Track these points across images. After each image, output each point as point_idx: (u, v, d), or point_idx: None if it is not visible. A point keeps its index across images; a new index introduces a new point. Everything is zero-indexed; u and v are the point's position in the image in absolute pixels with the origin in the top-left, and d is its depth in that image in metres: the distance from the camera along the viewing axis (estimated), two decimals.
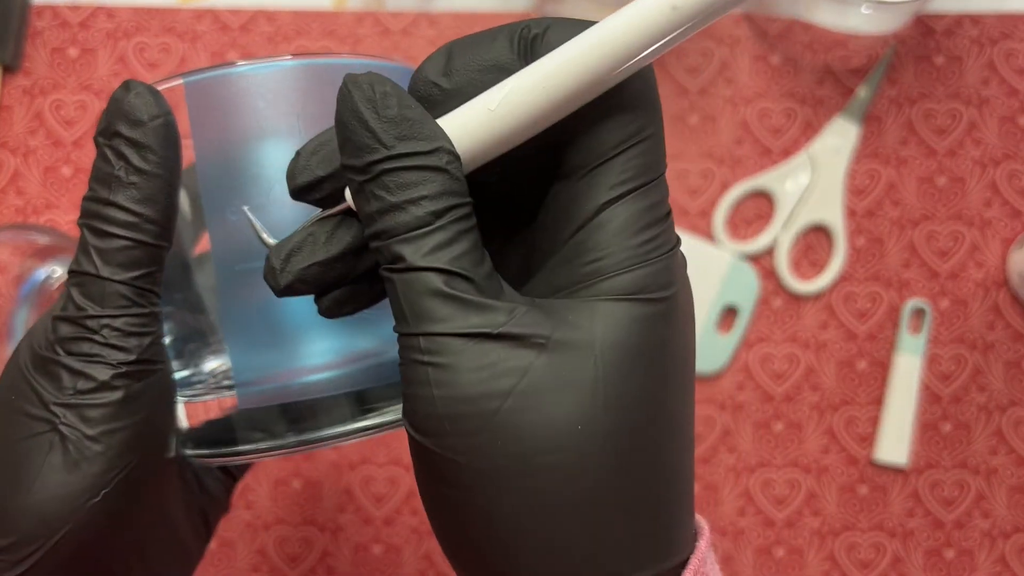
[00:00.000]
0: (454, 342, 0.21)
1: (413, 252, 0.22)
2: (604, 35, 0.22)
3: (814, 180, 0.56)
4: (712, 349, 0.55)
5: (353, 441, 0.28)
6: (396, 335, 0.23)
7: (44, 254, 0.48)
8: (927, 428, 0.55)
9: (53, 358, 0.26)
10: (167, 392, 0.28)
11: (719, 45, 0.57)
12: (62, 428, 0.25)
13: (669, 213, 0.24)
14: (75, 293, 0.26)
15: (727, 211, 0.56)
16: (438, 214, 0.22)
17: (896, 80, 0.57)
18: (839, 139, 0.56)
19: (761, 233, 0.56)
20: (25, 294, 0.46)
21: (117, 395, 0.26)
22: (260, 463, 0.54)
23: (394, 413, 0.28)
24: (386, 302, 0.23)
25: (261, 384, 0.28)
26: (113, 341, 0.26)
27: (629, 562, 0.22)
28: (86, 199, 0.26)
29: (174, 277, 0.28)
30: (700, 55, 0.57)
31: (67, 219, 0.56)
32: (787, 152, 0.57)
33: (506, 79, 0.23)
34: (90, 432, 0.25)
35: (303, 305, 0.26)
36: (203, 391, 0.29)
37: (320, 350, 0.28)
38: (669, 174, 0.34)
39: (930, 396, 0.55)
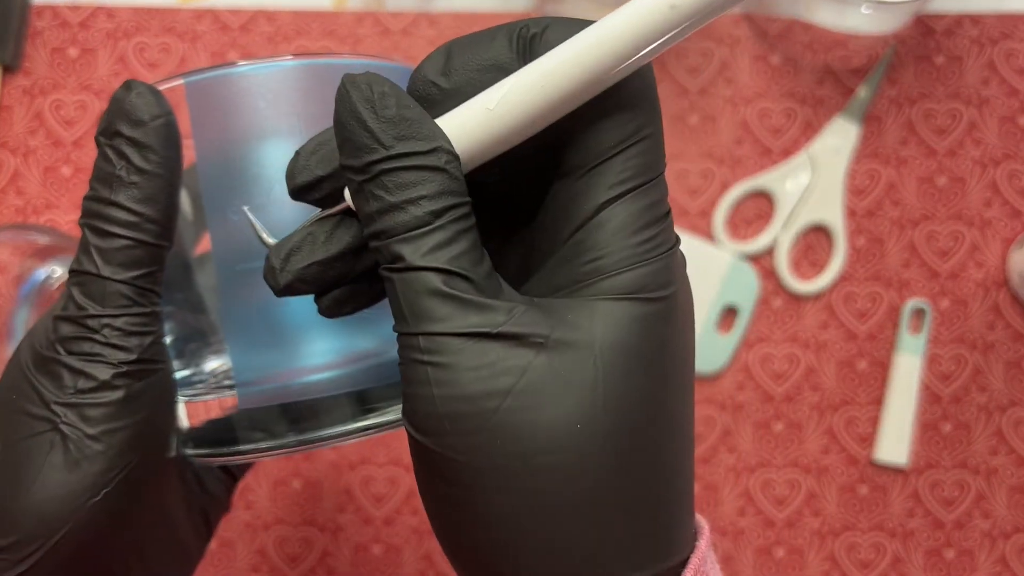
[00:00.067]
0: (453, 341, 0.21)
1: (412, 252, 0.22)
2: (603, 34, 0.22)
3: (814, 180, 0.56)
4: (712, 349, 0.55)
5: (353, 441, 0.28)
6: (396, 335, 0.23)
7: (44, 254, 0.48)
8: (927, 428, 0.55)
9: (54, 357, 0.26)
10: (168, 392, 0.28)
11: (719, 45, 0.57)
12: (63, 427, 0.25)
13: (668, 212, 0.24)
14: (76, 292, 0.26)
15: (727, 211, 0.56)
16: (437, 214, 0.22)
17: (896, 80, 0.57)
18: (839, 139, 0.56)
19: (761, 233, 0.56)
20: (25, 294, 0.46)
21: (118, 394, 0.26)
22: (260, 463, 0.54)
23: (394, 413, 0.28)
24: (386, 302, 0.23)
25: (261, 384, 0.28)
26: (114, 340, 0.26)
27: (629, 562, 0.22)
28: (87, 198, 0.26)
29: (175, 277, 0.28)
30: (700, 55, 0.57)
31: (67, 219, 0.56)
32: (787, 152, 0.57)
33: (505, 78, 0.23)
34: (91, 431, 0.25)
35: (303, 305, 0.26)
36: (204, 391, 0.29)
37: (320, 350, 0.28)
38: (669, 174, 0.34)
39: (930, 396, 0.55)
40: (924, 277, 0.56)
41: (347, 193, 0.24)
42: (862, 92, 0.56)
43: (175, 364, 0.28)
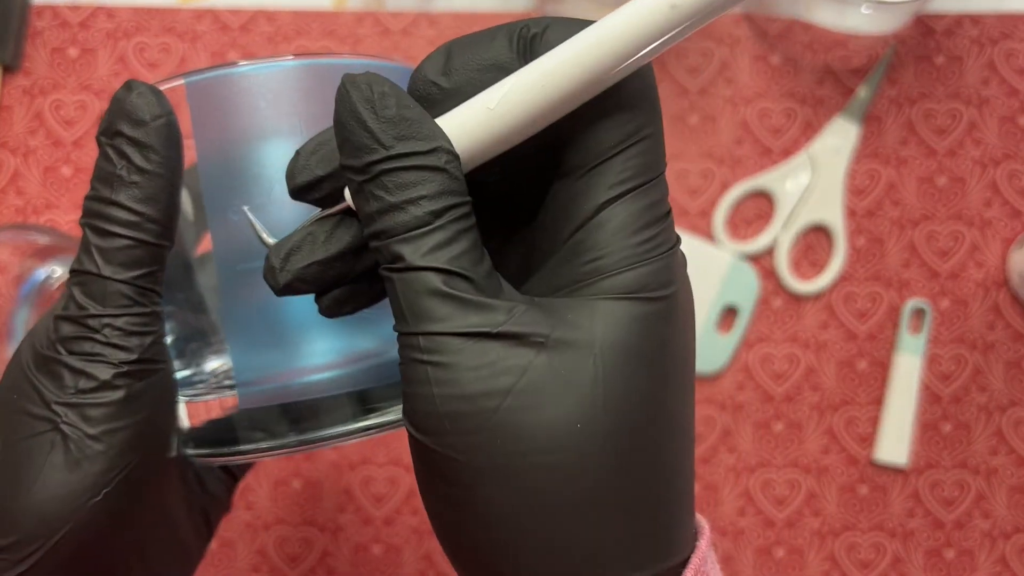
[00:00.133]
0: (453, 341, 0.21)
1: (412, 252, 0.22)
2: (603, 34, 0.22)
3: (814, 180, 0.56)
4: (712, 349, 0.55)
5: (354, 441, 0.28)
6: (396, 335, 0.23)
7: (44, 254, 0.48)
8: (927, 428, 0.55)
9: (55, 357, 0.26)
10: (168, 391, 0.28)
11: (719, 45, 0.57)
12: (63, 427, 0.25)
13: (669, 212, 0.24)
14: (77, 292, 0.26)
15: (727, 211, 0.56)
16: (437, 214, 0.22)
17: (896, 80, 0.57)
18: (839, 139, 0.56)
19: (761, 233, 0.56)
20: (25, 294, 0.46)
21: (118, 394, 0.26)
22: (260, 463, 0.54)
23: (395, 413, 0.28)
24: (386, 301, 0.23)
25: (262, 384, 0.28)
26: (114, 340, 0.26)
27: (629, 562, 0.22)
28: (88, 198, 0.26)
29: (176, 277, 0.28)
30: (700, 55, 0.57)
31: (67, 219, 0.56)
32: (787, 152, 0.57)
33: (505, 78, 0.23)
34: (91, 431, 0.25)
35: (304, 305, 0.26)
36: (204, 391, 0.29)
37: (321, 350, 0.28)
38: (669, 174, 0.34)
39: (930, 396, 0.55)
40: (924, 277, 0.56)
41: (347, 193, 0.24)
42: (862, 92, 0.56)
43: (176, 364, 0.28)
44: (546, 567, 0.22)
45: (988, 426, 0.55)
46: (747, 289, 0.55)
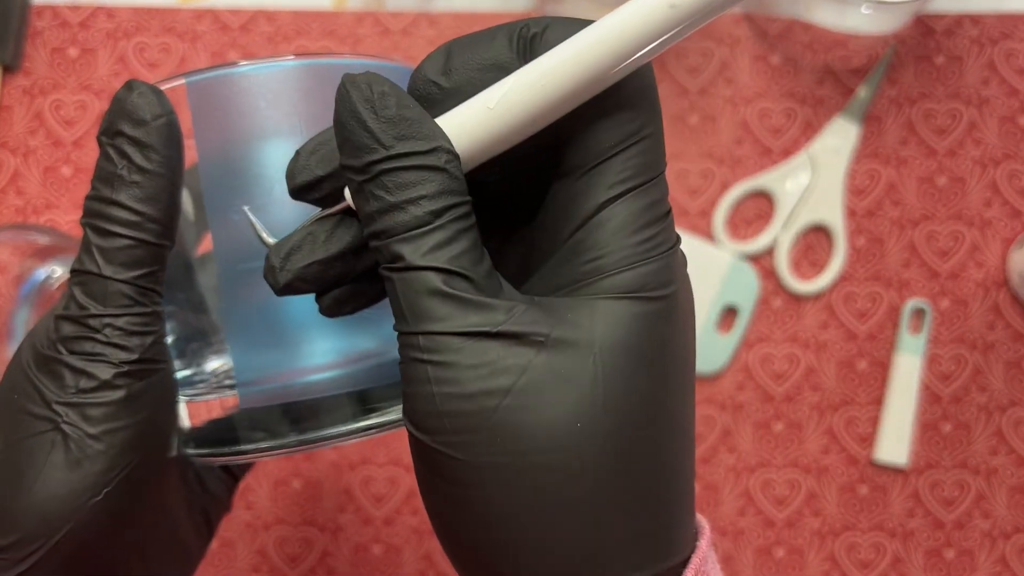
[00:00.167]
0: (453, 340, 0.21)
1: (412, 251, 0.22)
2: (602, 33, 0.22)
3: (814, 180, 0.56)
4: (712, 349, 0.55)
5: (354, 441, 0.28)
6: (397, 334, 0.23)
7: (44, 254, 0.48)
8: (927, 428, 0.55)
9: (55, 357, 0.26)
10: (169, 391, 0.28)
11: (719, 45, 0.57)
12: (64, 427, 0.25)
13: (669, 212, 0.24)
14: (77, 292, 0.26)
15: (727, 211, 0.56)
16: (437, 213, 0.22)
17: (896, 80, 0.57)
18: (839, 139, 0.56)
19: (761, 233, 0.56)
20: (25, 294, 0.46)
21: (119, 394, 0.26)
22: (260, 463, 0.54)
23: (395, 413, 0.28)
24: (387, 302, 0.23)
25: (263, 384, 0.28)
26: (115, 340, 0.26)
27: (629, 561, 0.22)
28: (89, 198, 0.26)
29: (177, 277, 0.28)
30: (700, 55, 0.57)
31: (67, 219, 0.56)
32: (787, 152, 0.57)
33: (505, 78, 0.23)
34: (92, 431, 0.25)
35: (305, 305, 0.26)
36: (205, 390, 0.29)
37: (322, 350, 0.28)
38: (669, 174, 0.34)
39: (930, 396, 0.55)
40: (924, 277, 0.56)
41: (347, 193, 0.24)
42: (862, 92, 0.56)
43: (176, 364, 0.28)
44: (546, 567, 0.22)
45: (988, 426, 0.55)
46: (747, 289, 0.55)
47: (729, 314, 0.56)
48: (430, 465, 0.23)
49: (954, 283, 0.56)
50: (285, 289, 0.24)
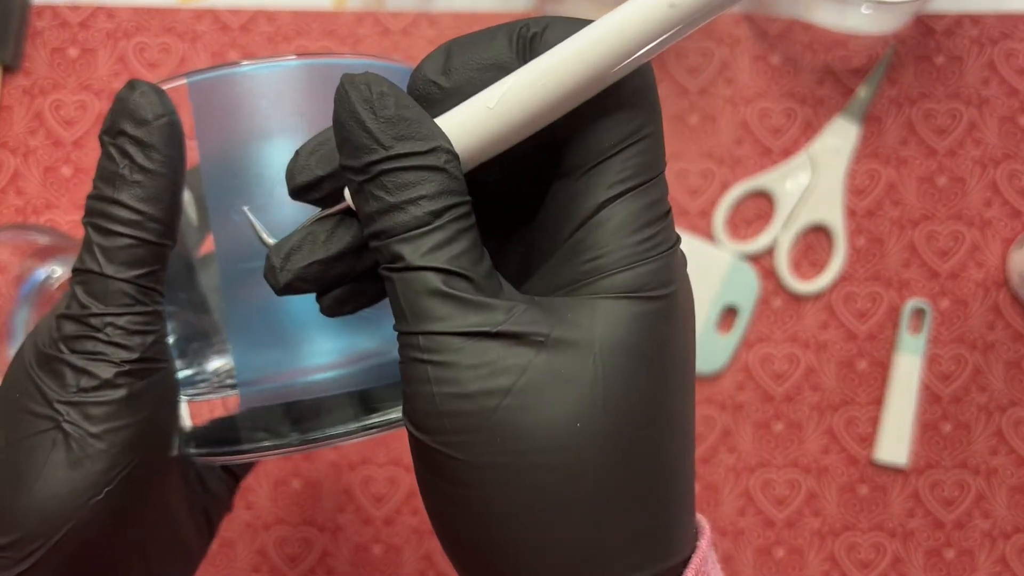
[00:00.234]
0: (453, 340, 0.21)
1: (412, 252, 0.22)
2: (602, 32, 0.22)
3: (814, 180, 0.56)
4: (712, 349, 0.55)
5: (355, 441, 0.28)
6: (397, 335, 0.23)
7: (44, 254, 0.48)
8: (927, 428, 0.55)
9: (57, 356, 0.26)
10: (170, 391, 0.28)
11: (719, 45, 0.57)
12: (65, 426, 0.25)
13: (669, 211, 0.24)
14: (79, 291, 0.26)
15: (727, 211, 0.56)
16: (437, 214, 0.22)
17: (896, 80, 0.57)
18: (839, 139, 0.56)
19: (761, 233, 0.56)
20: (25, 294, 0.46)
21: (120, 393, 0.26)
22: (261, 463, 0.54)
23: (396, 413, 0.28)
24: (388, 302, 0.23)
25: (264, 383, 0.28)
26: (116, 339, 0.26)
27: (629, 561, 0.22)
28: (90, 197, 0.26)
29: (178, 277, 0.28)
30: (700, 55, 0.57)
31: (67, 219, 0.56)
32: (787, 152, 0.57)
33: (505, 77, 0.23)
34: (93, 430, 0.25)
35: (306, 305, 0.26)
36: (206, 390, 0.29)
37: (323, 350, 0.28)
38: (669, 174, 0.34)
39: (930, 396, 0.55)
40: (924, 277, 0.56)
41: (347, 193, 0.24)
42: (862, 92, 0.56)
43: (178, 364, 0.28)
44: (546, 566, 0.22)
45: (988, 426, 0.55)
46: (747, 289, 0.55)
47: (729, 314, 0.56)
48: (430, 465, 0.23)
49: (954, 283, 0.56)
50: (285, 289, 0.24)
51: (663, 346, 0.23)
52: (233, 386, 0.28)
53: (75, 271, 0.26)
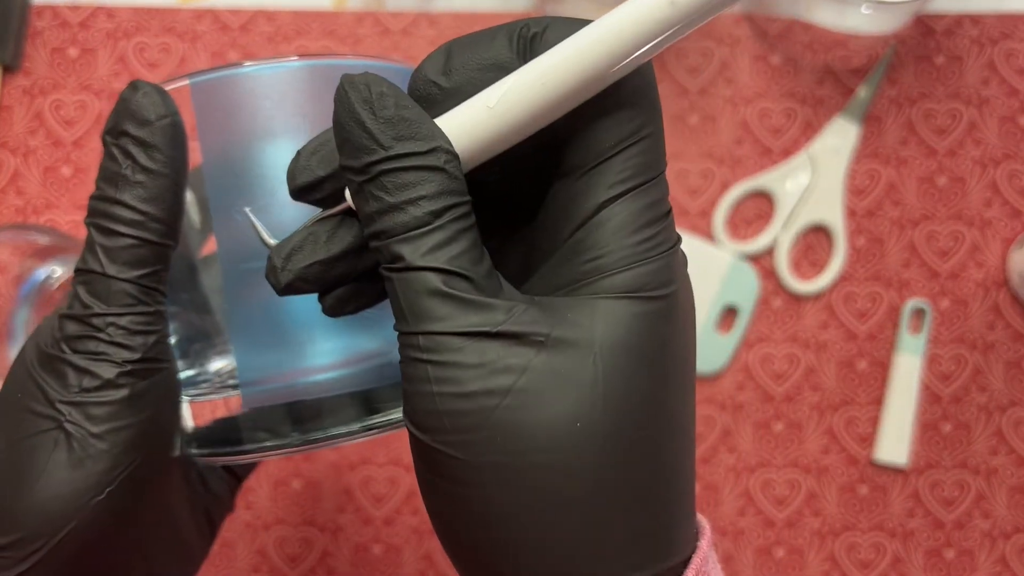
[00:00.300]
0: (453, 340, 0.22)
1: (412, 252, 0.22)
2: (602, 32, 0.22)
3: (814, 180, 0.56)
4: (712, 349, 0.55)
5: (357, 441, 0.28)
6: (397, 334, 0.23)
7: (44, 254, 0.48)
8: (927, 428, 0.55)
9: (59, 356, 0.26)
10: (172, 391, 0.28)
11: (719, 45, 0.57)
12: (67, 426, 0.25)
13: (669, 211, 0.24)
14: (81, 291, 0.26)
15: (727, 211, 0.56)
16: (437, 214, 0.22)
17: (896, 80, 0.57)
18: (839, 139, 0.56)
19: (761, 233, 0.56)
20: (25, 294, 0.46)
21: (122, 393, 0.26)
22: (262, 463, 0.54)
23: (398, 413, 0.28)
24: (389, 302, 0.23)
25: (266, 384, 0.28)
26: (118, 339, 0.26)
27: (629, 561, 0.22)
28: (93, 198, 0.26)
29: (180, 277, 0.28)
30: (700, 55, 0.57)
31: (67, 219, 0.56)
32: (787, 152, 0.57)
33: (505, 77, 0.23)
34: (95, 430, 0.25)
35: (308, 305, 0.26)
36: (208, 391, 0.29)
37: (325, 350, 0.28)
38: (669, 174, 0.34)
39: (930, 396, 0.55)
40: (924, 277, 0.56)
41: (348, 193, 0.24)
42: (862, 92, 0.56)
43: (180, 364, 0.28)
44: (545, 566, 0.22)
45: (988, 426, 0.55)
46: (747, 289, 0.55)
47: (729, 314, 0.56)
48: (430, 464, 0.23)
49: (954, 283, 0.56)
50: (286, 289, 0.24)
51: (663, 346, 0.23)
52: (235, 386, 0.28)
53: (77, 271, 0.26)
